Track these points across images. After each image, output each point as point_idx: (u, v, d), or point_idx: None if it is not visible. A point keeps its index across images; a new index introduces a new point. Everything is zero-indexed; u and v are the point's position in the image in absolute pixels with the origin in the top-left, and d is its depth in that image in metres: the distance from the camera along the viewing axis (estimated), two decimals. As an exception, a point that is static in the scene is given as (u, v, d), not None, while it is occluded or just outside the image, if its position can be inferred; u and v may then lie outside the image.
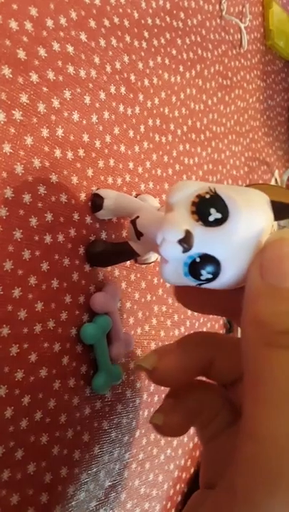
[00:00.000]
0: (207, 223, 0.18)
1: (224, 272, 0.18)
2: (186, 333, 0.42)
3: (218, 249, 0.18)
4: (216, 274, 0.18)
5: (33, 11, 0.28)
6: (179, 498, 0.42)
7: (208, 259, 0.18)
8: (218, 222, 0.18)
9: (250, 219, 0.18)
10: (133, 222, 0.28)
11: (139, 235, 0.28)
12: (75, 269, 0.31)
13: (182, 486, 0.42)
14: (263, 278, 0.16)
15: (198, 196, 0.19)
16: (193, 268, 0.19)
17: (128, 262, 0.35)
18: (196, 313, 0.43)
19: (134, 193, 0.36)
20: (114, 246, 0.32)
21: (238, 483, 0.15)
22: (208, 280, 0.18)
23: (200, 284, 0.19)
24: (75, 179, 0.31)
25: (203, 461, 0.21)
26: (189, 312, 0.42)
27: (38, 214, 0.28)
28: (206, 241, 0.18)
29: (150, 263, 0.36)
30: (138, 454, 0.36)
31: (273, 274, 0.16)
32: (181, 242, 0.18)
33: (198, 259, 0.18)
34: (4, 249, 0.26)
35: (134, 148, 0.36)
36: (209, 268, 0.18)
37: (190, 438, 0.43)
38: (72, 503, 0.30)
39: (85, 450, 0.31)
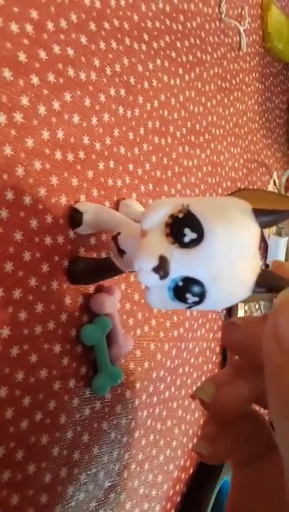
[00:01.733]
0: (183, 245, 0.17)
1: (210, 292, 0.18)
2: (185, 334, 0.42)
3: (198, 270, 0.17)
4: (202, 296, 0.18)
5: (34, 14, 0.29)
6: (179, 499, 0.42)
7: (191, 281, 0.18)
8: (195, 243, 0.17)
9: (228, 234, 0.17)
10: (114, 239, 0.26)
11: (121, 252, 0.26)
12: (75, 271, 0.31)
13: (181, 486, 0.42)
14: (281, 351, 0.14)
15: (172, 216, 0.18)
16: (178, 292, 0.18)
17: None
18: (194, 314, 0.43)
19: (134, 196, 0.36)
20: (97, 263, 0.31)
21: None
22: (196, 303, 0.18)
23: (190, 307, 0.18)
24: (75, 181, 0.31)
25: (233, 485, 0.20)
26: (188, 313, 0.42)
27: (39, 216, 0.28)
28: (185, 263, 0.17)
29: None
30: (137, 454, 0.36)
31: None
32: (155, 270, 0.17)
33: (180, 283, 0.18)
34: (5, 251, 0.27)
35: (134, 150, 0.36)
36: (194, 290, 0.18)
37: (189, 439, 0.43)
38: (72, 503, 0.30)
39: (85, 451, 0.31)
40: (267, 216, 0.18)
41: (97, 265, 0.31)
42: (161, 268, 0.17)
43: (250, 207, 0.18)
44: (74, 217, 0.30)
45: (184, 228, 0.17)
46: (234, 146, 0.52)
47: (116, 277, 0.34)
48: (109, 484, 0.33)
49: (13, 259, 0.27)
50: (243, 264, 0.18)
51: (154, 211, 0.18)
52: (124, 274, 0.35)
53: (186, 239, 0.17)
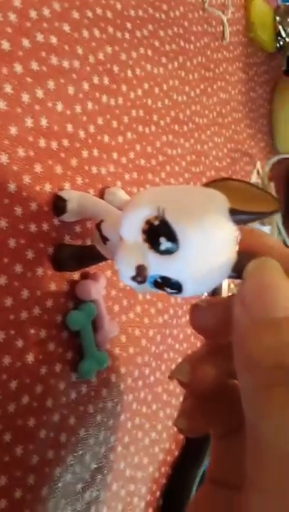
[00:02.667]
0: (159, 252, 0.18)
1: (186, 287, 0.19)
2: (170, 321, 0.43)
3: (175, 273, 0.18)
4: (179, 290, 0.19)
5: (17, 2, 0.29)
6: (164, 481, 0.43)
7: (168, 279, 0.19)
8: (170, 251, 0.18)
9: (204, 241, 0.18)
10: (98, 227, 0.27)
11: (104, 239, 0.27)
12: (60, 258, 0.31)
13: (167, 469, 0.43)
14: (247, 313, 0.15)
15: (148, 222, 0.18)
16: (157, 286, 0.19)
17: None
18: (179, 301, 0.44)
19: (119, 184, 0.37)
20: (81, 250, 0.31)
21: None
22: (175, 293, 0.19)
23: (170, 294, 0.19)
24: (59, 169, 0.31)
25: (213, 456, 0.20)
26: (172, 300, 0.43)
27: (23, 203, 0.29)
28: (162, 266, 0.19)
29: None
30: (123, 437, 0.37)
31: (257, 307, 0.15)
32: (133, 278, 0.19)
33: (159, 280, 0.19)
34: (-10, 238, 0.27)
35: (118, 138, 0.37)
36: (171, 286, 0.19)
37: (174, 422, 0.44)
38: (59, 484, 0.31)
39: (71, 433, 0.32)
40: (244, 216, 0.19)
41: (81, 252, 0.31)
42: (139, 276, 0.19)
43: (228, 206, 0.18)
44: (58, 204, 0.30)
45: (160, 237, 0.18)
46: (218, 136, 0.53)
47: (102, 264, 0.35)
48: (96, 466, 0.34)
49: (-2, 246, 0.27)
50: (219, 260, 0.18)
51: (131, 216, 0.19)
52: (109, 261, 0.35)
53: (162, 247, 0.18)
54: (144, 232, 0.19)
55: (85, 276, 0.33)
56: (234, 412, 0.19)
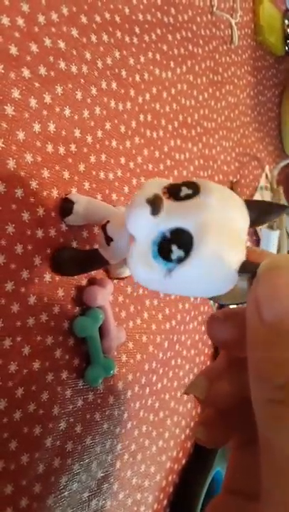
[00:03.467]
0: (178, 198, 0.18)
1: (197, 249, 0.17)
2: (177, 327, 0.42)
3: (189, 220, 0.17)
4: (187, 250, 0.17)
5: (25, 7, 0.29)
6: (171, 489, 0.42)
7: (179, 233, 0.17)
8: (189, 197, 0.18)
9: (222, 199, 0.18)
10: (103, 228, 0.27)
11: (108, 240, 0.26)
12: (68, 263, 0.31)
13: (174, 477, 0.42)
14: (259, 317, 0.14)
15: (169, 184, 0.19)
16: (164, 245, 0.18)
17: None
18: (186, 307, 0.44)
19: (127, 190, 0.36)
20: (82, 253, 0.31)
21: None
22: (180, 260, 0.17)
23: (170, 270, 0.18)
24: (66, 174, 0.31)
25: (231, 465, 0.20)
26: (180, 306, 0.43)
27: (31, 209, 0.28)
28: (177, 213, 0.17)
29: (123, 278, 0.35)
30: (130, 445, 0.36)
31: (270, 311, 0.14)
32: (149, 202, 0.18)
33: (168, 235, 0.18)
34: (-3, 244, 0.27)
35: (126, 143, 0.36)
36: (181, 240, 0.17)
37: (182, 430, 0.43)
38: (65, 493, 0.31)
39: (78, 441, 0.31)
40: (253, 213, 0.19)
41: (82, 256, 0.30)
42: (155, 201, 0.18)
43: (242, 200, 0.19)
44: (65, 206, 0.30)
45: (182, 187, 0.18)
46: (226, 140, 0.52)
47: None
48: (102, 475, 0.34)
49: (5, 252, 0.27)
50: (232, 240, 0.17)
51: (148, 186, 0.19)
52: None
53: (182, 194, 0.18)
54: (165, 188, 0.19)
55: (92, 283, 0.33)
56: (255, 423, 0.18)
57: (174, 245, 0.17)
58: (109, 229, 0.26)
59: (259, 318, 0.14)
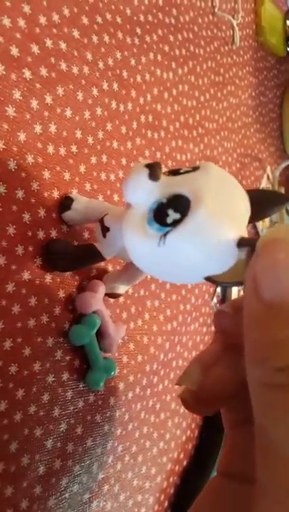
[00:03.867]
0: (177, 173, 0.18)
1: (194, 210, 0.17)
2: (178, 328, 0.42)
3: (187, 186, 0.17)
4: (183, 213, 0.17)
5: (26, 8, 0.29)
6: (172, 491, 0.42)
7: (176, 198, 0.17)
8: (188, 172, 0.18)
9: (222, 175, 0.18)
10: (101, 220, 0.26)
11: (105, 230, 0.26)
12: (68, 265, 0.31)
13: (175, 478, 0.42)
14: (259, 299, 0.13)
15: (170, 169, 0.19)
16: (159, 210, 0.17)
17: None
18: (188, 308, 0.44)
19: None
20: (76, 247, 0.30)
21: None
22: (175, 223, 0.17)
23: (165, 234, 0.17)
24: (67, 175, 0.31)
25: (226, 447, 0.18)
26: (182, 307, 0.43)
27: (31, 210, 0.28)
28: (175, 182, 0.17)
29: (117, 296, 0.33)
30: (131, 446, 0.36)
31: (269, 288, 0.13)
32: (148, 166, 0.18)
33: (165, 200, 0.17)
34: (-2, 245, 0.27)
35: (127, 144, 0.36)
36: (177, 205, 0.17)
37: (183, 431, 0.43)
38: (66, 495, 0.30)
39: (78, 443, 0.31)
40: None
41: (76, 250, 0.30)
42: (154, 165, 0.17)
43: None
44: (64, 202, 0.30)
45: (182, 168, 0.18)
46: (227, 141, 0.52)
47: (110, 271, 0.34)
48: (103, 476, 0.34)
49: (5, 253, 0.27)
50: (230, 213, 0.17)
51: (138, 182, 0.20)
52: (117, 268, 0.35)
53: (181, 171, 0.18)
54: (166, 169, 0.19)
55: (82, 289, 0.32)
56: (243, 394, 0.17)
57: (170, 209, 0.17)
58: (106, 220, 0.26)
59: (257, 297, 0.13)
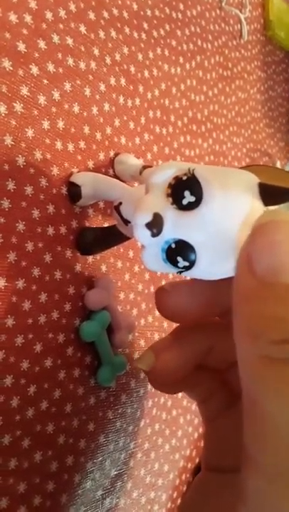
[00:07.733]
0: (181, 206, 0.18)
1: (200, 259, 0.17)
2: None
3: (191, 234, 0.17)
4: (192, 262, 0.18)
5: (33, 4, 0.29)
6: (185, 488, 0.42)
7: (183, 244, 0.18)
8: (192, 206, 0.17)
9: (225, 203, 0.17)
10: (117, 209, 0.27)
11: (126, 221, 0.26)
12: (78, 261, 0.31)
13: (187, 476, 0.42)
14: (252, 273, 0.13)
15: (176, 178, 0.18)
16: (170, 254, 0.18)
17: (131, 254, 0.35)
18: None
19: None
20: (103, 231, 0.31)
21: None
22: (187, 268, 0.18)
23: (180, 272, 0.18)
24: (76, 171, 0.31)
25: (206, 442, 0.20)
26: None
27: (41, 206, 0.28)
28: (180, 225, 0.18)
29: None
30: (143, 443, 0.36)
31: (265, 267, 0.13)
32: (148, 226, 0.18)
33: (173, 245, 0.18)
34: (8, 241, 0.27)
35: (135, 140, 0.36)
36: (185, 254, 0.18)
37: (195, 428, 0.43)
38: (79, 491, 0.30)
39: (91, 439, 0.31)
40: (273, 193, 0.18)
41: (104, 233, 0.31)
42: (154, 225, 0.18)
43: (257, 181, 0.18)
44: (72, 191, 0.30)
45: (185, 191, 0.18)
46: (236, 136, 0.52)
47: (120, 268, 0.34)
48: (116, 473, 0.34)
49: (15, 250, 0.27)
50: (239, 236, 0.17)
51: (162, 170, 0.19)
52: (127, 264, 0.35)
53: (185, 201, 0.18)
54: (170, 186, 0.18)
55: (91, 286, 0.32)
56: (212, 385, 0.19)
57: (179, 256, 0.18)
58: (123, 211, 0.26)
59: (249, 271, 0.13)
